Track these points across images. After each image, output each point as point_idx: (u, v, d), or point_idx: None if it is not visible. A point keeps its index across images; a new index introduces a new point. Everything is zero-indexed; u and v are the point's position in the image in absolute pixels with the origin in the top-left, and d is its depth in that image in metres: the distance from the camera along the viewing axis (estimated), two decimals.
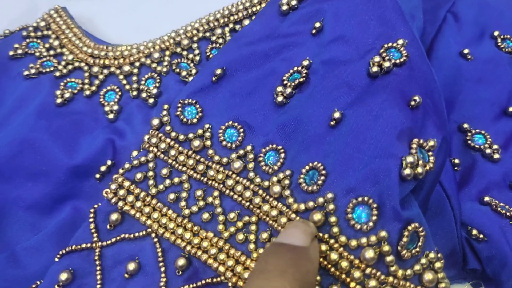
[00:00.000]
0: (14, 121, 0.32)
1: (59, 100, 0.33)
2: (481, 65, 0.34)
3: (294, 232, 0.23)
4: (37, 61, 0.35)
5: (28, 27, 0.37)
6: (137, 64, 0.34)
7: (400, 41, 0.28)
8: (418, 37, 0.30)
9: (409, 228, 0.24)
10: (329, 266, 0.24)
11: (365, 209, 0.24)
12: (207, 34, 0.34)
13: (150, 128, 0.29)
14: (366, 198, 0.24)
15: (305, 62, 0.29)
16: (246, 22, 0.35)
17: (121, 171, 0.28)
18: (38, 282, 0.27)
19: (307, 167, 0.26)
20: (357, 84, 0.28)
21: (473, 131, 0.32)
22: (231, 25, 0.35)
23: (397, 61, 0.27)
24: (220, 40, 0.34)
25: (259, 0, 0.36)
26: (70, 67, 0.35)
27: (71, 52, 0.36)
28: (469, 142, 0.32)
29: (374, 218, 0.23)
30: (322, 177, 0.25)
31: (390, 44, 0.28)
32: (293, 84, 0.28)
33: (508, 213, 0.29)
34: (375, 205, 0.24)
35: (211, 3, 0.38)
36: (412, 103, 0.26)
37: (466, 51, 0.34)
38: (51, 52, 0.36)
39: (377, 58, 0.27)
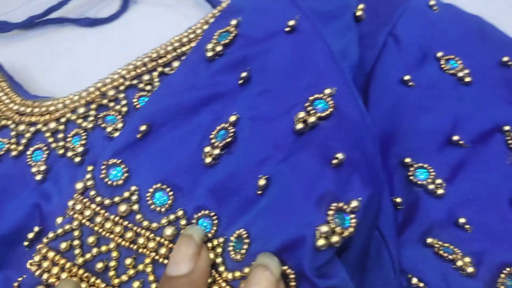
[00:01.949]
0: None
1: None
2: (424, 91, 0.33)
3: None
4: None
5: None
6: (63, 120, 0.32)
7: (327, 91, 0.27)
8: (351, 78, 0.28)
9: None
10: None
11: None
12: (134, 81, 0.33)
13: (74, 191, 0.28)
14: (284, 268, 0.23)
15: (232, 118, 0.28)
16: (176, 64, 0.34)
17: (45, 240, 0.27)
18: None
19: (235, 235, 0.25)
20: (283, 144, 0.26)
21: (415, 166, 0.31)
22: (159, 69, 0.34)
23: (323, 114, 0.26)
24: (148, 87, 0.33)
25: (188, 39, 0.34)
26: None
27: None
28: (411, 178, 0.31)
29: None
30: (246, 246, 0.24)
31: (316, 96, 0.27)
32: (220, 144, 0.27)
33: (451, 256, 0.28)
34: (292, 276, 0.23)
35: (146, 42, 0.36)
36: (334, 161, 0.25)
37: (406, 77, 0.33)
38: None
39: (301, 114, 0.26)
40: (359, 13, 0.32)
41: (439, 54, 0.34)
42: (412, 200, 0.30)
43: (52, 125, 0.32)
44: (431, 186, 0.30)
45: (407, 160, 0.31)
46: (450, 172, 0.31)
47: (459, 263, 0.27)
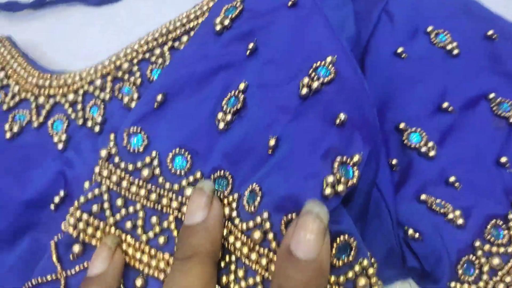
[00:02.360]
0: None
1: (8, 135, 0.34)
2: (415, 63, 0.36)
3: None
4: None
5: None
6: (80, 91, 0.35)
7: (329, 59, 0.29)
8: (349, 49, 0.31)
9: (338, 240, 0.25)
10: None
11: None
12: (147, 55, 0.35)
13: (99, 157, 0.30)
14: (294, 215, 0.26)
15: (242, 86, 0.30)
16: (185, 38, 0.36)
17: (76, 204, 0.29)
18: None
19: (248, 189, 0.28)
20: (290, 107, 0.29)
21: (409, 130, 0.34)
22: (170, 43, 0.36)
23: (326, 79, 0.29)
24: (160, 60, 0.35)
25: (195, 15, 0.36)
26: (17, 98, 0.35)
27: (17, 83, 0.36)
28: (406, 141, 0.33)
29: None
30: (258, 198, 0.27)
31: (318, 63, 0.29)
32: (232, 110, 0.29)
33: (442, 210, 0.31)
34: None
35: (153, 20, 0.38)
36: (338, 121, 0.27)
37: (400, 50, 0.36)
38: None
39: (305, 80, 0.29)
40: None
41: (429, 28, 0.37)
42: (406, 161, 0.33)
43: (71, 96, 0.34)
44: (423, 149, 0.33)
45: (401, 125, 0.34)
46: (440, 136, 0.34)
47: (450, 216, 0.30)
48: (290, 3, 0.32)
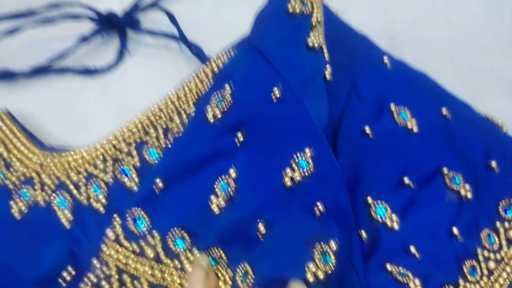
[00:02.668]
0: None
1: (16, 213, 0.37)
2: (380, 141, 0.40)
3: None
4: None
5: None
6: (83, 172, 0.38)
7: (307, 151, 0.34)
8: (325, 139, 0.35)
9: None
10: None
11: None
12: (142, 135, 0.39)
13: (106, 237, 0.34)
14: None
15: (233, 174, 0.34)
16: (176, 118, 0.40)
17: (88, 282, 0.33)
18: None
19: (241, 268, 0.32)
20: (276, 196, 0.34)
21: (375, 203, 0.39)
22: (163, 123, 0.39)
23: (305, 172, 0.33)
24: (155, 141, 0.39)
25: (185, 95, 0.40)
26: (21, 177, 0.38)
27: (19, 160, 0.39)
28: (373, 214, 0.38)
29: None
30: (250, 278, 0.32)
31: (299, 154, 0.34)
32: (225, 196, 0.34)
33: (405, 280, 0.36)
34: None
35: (143, 91, 0.42)
36: (317, 211, 0.32)
37: (367, 129, 0.40)
38: (1, 162, 0.39)
39: (288, 171, 0.33)
40: (328, 76, 0.38)
41: (392, 106, 0.42)
42: (374, 233, 0.38)
43: (74, 177, 0.38)
44: (388, 222, 0.38)
45: (369, 199, 0.39)
46: (402, 209, 0.38)
47: (411, 284, 0.36)
48: (274, 98, 0.36)
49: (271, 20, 0.40)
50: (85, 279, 0.33)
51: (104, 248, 0.34)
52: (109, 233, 0.34)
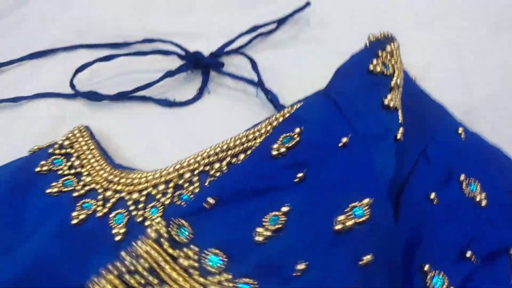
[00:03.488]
0: (34, 239, 0.37)
1: (75, 221, 0.38)
2: (445, 209, 0.39)
3: None
4: (59, 179, 0.41)
5: (54, 144, 0.43)
6: (144, 192, 0.39)
7: (366, 201, 0.33)
8: (386, 191, 0.35)
9: None
10: None
11: None
12: (207, 167, 0.40)
13: (145, 233, 0.34)
14: None
15: (285, 209, 0.34)
16: (242, 156, 0.40)
17: (114, 270, 0.32)
18: None
19: None
20: (323, 239, 0.33)
21: (432, 273, 0.37)
22: (228, 159, 0.40)
23: (359, 220, 0.32)
24: (218, 174, 0.39)
25: (254, 136, 0.41)
26: (87, 188, 0.40)
27: (88, 173, 0.41)
28: (428, 282, 0.36)
29: None
30: None
31: (356, 204, 0.33)
32: (272, 228, 0.33)
33: None
34: None
35: (215, 129, 0.44)
36: (361, 262, 0.31)
37: (432, 196, 0.39)
38: (72, 171, 0.41)
39: (341, 217, 0.33)
40: (399, 136, 0.38)
41: (462, 177, 0.40)
42: None
43: (135, 195, 0.39)
44: None
45: (426, 267, 0.37)
46: (461, 282, 0.36)
47: None
48: (341, 144, 0.36)
49: (350, 75, 0.40)
50: (110, 267, 0.33)
51: (139, 243, 0.34)
52: (152, 233, 0.34)
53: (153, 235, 0.34)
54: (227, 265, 0.33)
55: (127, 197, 0.39)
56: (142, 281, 0.33)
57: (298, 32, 0.55)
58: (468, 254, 0.37)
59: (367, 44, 0.42)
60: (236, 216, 0.35)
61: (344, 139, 0.36)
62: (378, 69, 0.40)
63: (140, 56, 0.50)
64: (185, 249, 0.34)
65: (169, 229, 0.34)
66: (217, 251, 0.33)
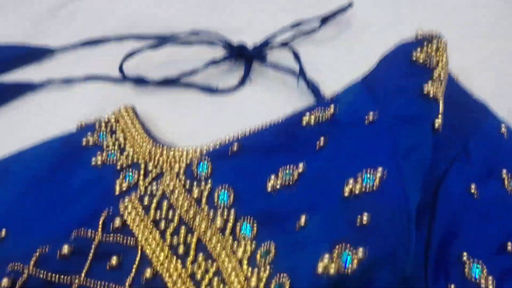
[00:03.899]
0: (79, 206, 0.39)
1: (117, 191, 0.40)
2: (486, 203, 0.38)
3: None
4: (103, 152, 0.42)
5: (100, 121, 0.45)
6: (183, 164, 0.40)
7: (378, 171, 0.33)
8: (421, 173, 0.35)
9: None
10: None
11: None
12: None
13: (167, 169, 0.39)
14: None
15: (300, 167, 0.36)
16: None
17: (136, 194, 0.37)
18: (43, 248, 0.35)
19: (265, 247, 0.33)
20: (330, 202, 0.33)
21: (471, 262, 0.36)
22: None
23: (368, 188, 0.33)
24: None
25: None
26: (130, 160, 0.42)
27: (132, 147, 0.43)
28: (466, 272, 0.36)
29: None
30: (270, 258, 0.32)
31: (368, 170, 0.33)
32: (284, 181, 0.35)
33: None
34: None
35: (255, 115, 0.45)
36: (359, 222, 0.31)
37: (473, 189, 0.39)
38: (116, 145, 0.43)
39: (350, 181, 0.33)
40: (437, 125, 0.37)
41: (504, 172, 0.40)
42: None
43: (176, 169, 0.40)
44: (483, 283, 0.35)
45: (464, 257, 0.36)
46: (500, 274, 0.36)
47: None
48: (367, 121, 0.37)
49: (392, 62, 0.41)
50: (136, 192, 0.37)
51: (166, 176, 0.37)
52: (176, 168, 0.38)
53: (176, 168, 0.37)
54: (234, 202, 0.35)
55: (168, 170, 0.40)
56: (155, 205, 0.36)
57: (339, 32, 0.56)
58: (509, 247, 0.36)
59: (415, 38, 0.43)
60: (254, 163, 0.37)
61: (371, 116, 0.37)
62: (421, 60, 0.40)
63: (187, 46, 0.52)
64: (201, 183, 0.36)
65: (191, 165, 0.37)
66: (228, 188, 0.36)
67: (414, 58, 0.40)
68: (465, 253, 0.36)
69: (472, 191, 0.39)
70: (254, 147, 0.38)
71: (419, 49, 0.40)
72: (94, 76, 0.52)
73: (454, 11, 0.56)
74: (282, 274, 0.31)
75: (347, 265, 0.30)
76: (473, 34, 0.53)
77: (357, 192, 0.33)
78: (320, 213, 0.33)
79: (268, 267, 0.32)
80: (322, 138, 0.37)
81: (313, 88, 0.47)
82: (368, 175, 0.33)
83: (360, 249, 0.30)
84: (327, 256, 0.30)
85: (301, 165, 0.36)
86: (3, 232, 0.38)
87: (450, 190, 0.39)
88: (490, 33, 0.54)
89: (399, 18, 0.57)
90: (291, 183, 0.35)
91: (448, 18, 0.56)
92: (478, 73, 0.49)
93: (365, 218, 0.31)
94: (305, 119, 0.39)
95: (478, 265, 0.36)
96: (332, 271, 0.30)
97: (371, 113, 0.37)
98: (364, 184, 0.33)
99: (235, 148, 0.37)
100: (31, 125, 0.49)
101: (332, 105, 0.39)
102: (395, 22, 0.57)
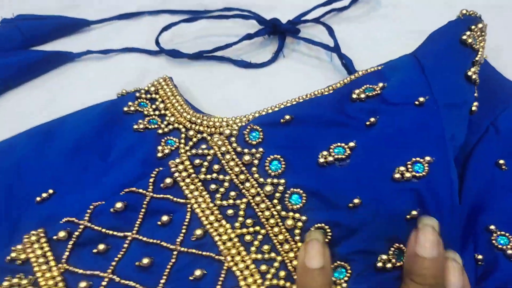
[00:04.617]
0: (121, 166, 0.41)
1: (159, 154, 0.41)
2: None
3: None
4: (145, 118, 0.44)
5: (141, 90, 0.46)
6: (224, 133, 0.41)
7: (427, 158, 0.35)
8: (452, 157, 0.36)
9: None
10: None
11: None
12: None
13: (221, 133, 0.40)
14: None
15: (351, 144, 0.37)
16: None
17: (188, 153, 0.38)
18: (96, 204, 0.36)
19: (316, 225, 0.35)
20: (379, 183, 0.35)
21: (498, 233, 0.38)
22: None
23: (418, 174, 0.35)
24: None
25: (332, 87, 0.43)
26: (170, 127, 0.43)
27: (172, 115, 0.44)
28: (493, 241, 0.37)
29: None
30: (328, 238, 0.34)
31: (418, 159, 0.35)
32: (335, 155, 0.36)
33: None
34: None
35: (288, 90, 0.46)
36: (408, 216, 0.34)
37: (501, 162, 0.40)
38: (157, 112, 0.44)
39: (401, 168, 0.35)
40: (474, 108, 0.39)
41: None
42: (491, 260, 0.37)
43: (216, 137, 0.42)
44: (509, 251, 0.37)
45: (492, 227, 0.38)
46: None
47: None
48: (417, 102, 0.38)
49: (442, 41, 0.42)
50: (188, 152, 0.38)
51: (214, 137, 0.39)
52: (226, 131, 0.38)
53: (227, 132, 0.38)
54: (285, 172, 0.36)
55: (208, 138, 0.42)
56: (205, 168, 0.37)
57: (370, 9, 0.57)
58: None
59: (461, 16, 0.44)
60: (306, 136, 0.38)
61: (421, 99, 0.38)
62: (470, 41, 0.41)
63: (221, 20, 0.53)
64: (252, 150, 0.37)
65: (243, 131, 0.38)
66: (280, 157, 0.37)
67: (464, 38, 0.41)
68: (492, 225, 0.38)
69: (501, 163, 0.40)
70: (306, 119, 0.38)
71: (468, 32, 0.41)
72: (131, 48, 0.54)
73: None
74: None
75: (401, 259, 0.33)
76: (501, 16, 0.54)
77: (407, 177, 0.35)
78: (372, 199, 0.34)
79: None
80: (372, 116, 0.38)
81: (347, 62, 0.48)
82: (419, 163, 0.35)
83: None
84: (384, 256, 0.33)
85: (352, 143, 0.37)
86: (50, 191, 0.40)
87: (478, 163, 0.41)
88: None
89: None
90: (343, 157, 0.36)
91: None
92: (504, 54, 0.50)
93: (415, 212, 0.34)
94: (354, 95, 0.40)
95: (505, 236, 0.37)
96: (389, 266, 0.33)
97: (421, 97, 0.38)
98: (414, 171, 0.35)
99: (287, 117, 0.38)
100: (71, 94, 0.50)
101: (381, 83, 0.40)
102: (425, 1, 0.58)
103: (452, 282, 0.30)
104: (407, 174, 0.34)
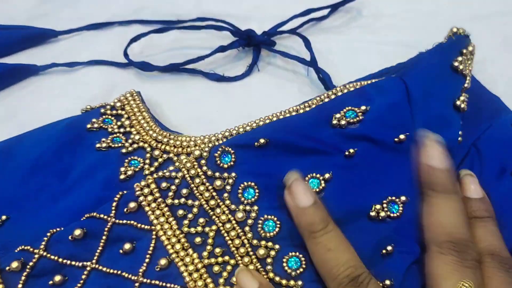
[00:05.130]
0: (81, 188, 0.38)
1: (122, 176, 0.39)
2: (498, 202, 0.38)
3: None
4: (108, 136, 0.41)
5: (106, 105, 0.44)
6: (191, 154, 0.39)
7: (403, 198, 0.34)
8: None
9: None
10: None
11: None
12: None
13: (189, 154, 0.38)
14: None
15: (327, 175, 0.35)
16: None
17: (155, 175, 0.35)
18: (53, 230, 0.34)
19: (292, 253, 0.33)
20: (354, 219, 0.34)
21: None
22: None
23: (392, 214, 0.34)
24: None
25: (304, 111, 0.41)
26: (135, 146, 0.41)
27: (138, 133, 0.42)
28: None
29: None
30: (302, 268, 0.32)
31: (393, 198, 0.34)
32: (311, 187, 0.35)
33: None
34: None
35: (262, 105, 0.44)
36: (384, 251, 0.33)
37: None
38: (122, 130, 0.42)
39: (377, 206, 0.34)
40: (459, 138, 0.38)
41: None
42: None
43: (183, 157, 0.39)
44: None
45: None
46: None
47: None
48: (397, 139, 0.36)
49: (433, 67, 0.41)
50: (154, 174, 0.36)
51: (183, 159, 0.36)
52: (196, 152, 0.36)
53: (196, 153, 0.36)
54: (258, 200, 0.35)
55: (174, 158, 0.40)
56: (173, 192, 0.35)
57: (350, 20, 0.55)
58: None
59: (452, 37, 0.42)
60: (281, 164, 0.36)
61: (402, 136, 0.36)
62: (461, 67, 0.40)
63: (193, 31, 0.51)
64: (224, 174, 0.35)
65: (214, 153, 0.36)
66: (254, 185, 0.35)
67: (455, 65, 0.40)
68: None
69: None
70: (281, 144, 0.36)
71: (459, 58, 0.41)
72: (99, 61, 0.51)
73: (467, 3, 0.56)
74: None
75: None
76: (486, 27, 0.52)
77: (382, 216, 0.34)
78: (345, 232, 0.33)
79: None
80: (350, 147, 0.36)
81: (324, 77, 0.46)
82: (394, 203, 0.34)
83: (387, 282, 0.32)
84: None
85: (327, 175, 0.35)
86: (3, 217, 0.37)
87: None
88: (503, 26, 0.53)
89: (410, 6, 0.56)
90: (317, 190, 0.35)
91: (462, 9, 0.55)
92: (489, 67, 0.48)
93: (389, 249, 0.33)
94: (334, 120, 0.37)
95: None
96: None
97: (401, 135, 0.36)
98: (389, 211, 0.34)
99: (262, 141, 0.36)
100: (34, 108, 0.48)
101: (363, 106, 0.38)
102: (406, 10, 0.56)
103: (473, 188, 0.35)
104: (382, 214, 0.34)
